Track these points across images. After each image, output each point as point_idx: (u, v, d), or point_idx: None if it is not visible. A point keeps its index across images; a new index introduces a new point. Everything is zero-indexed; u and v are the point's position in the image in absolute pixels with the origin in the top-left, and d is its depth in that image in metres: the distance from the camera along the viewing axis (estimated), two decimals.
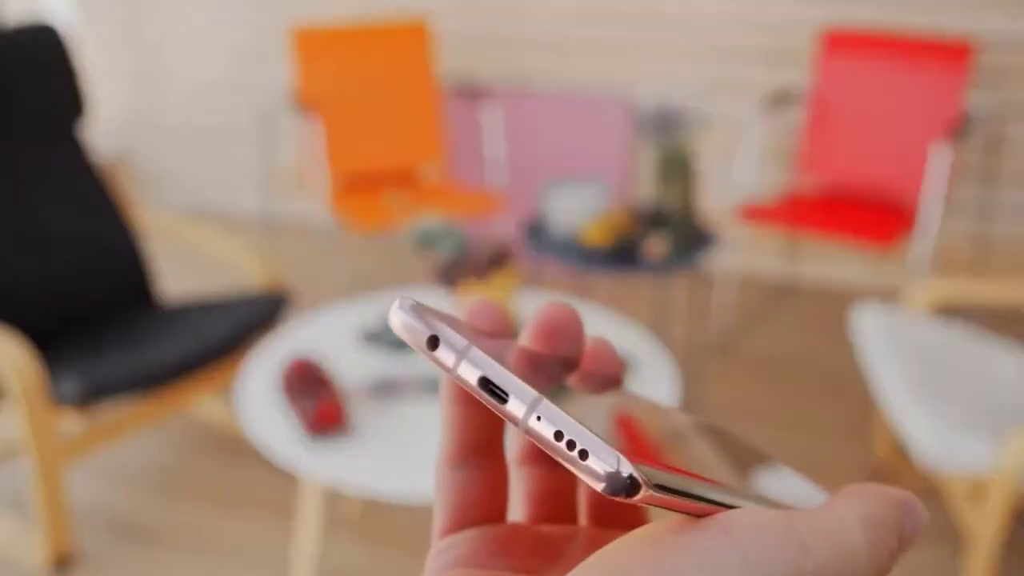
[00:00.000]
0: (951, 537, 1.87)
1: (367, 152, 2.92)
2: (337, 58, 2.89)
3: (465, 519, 0.26)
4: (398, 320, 0.21)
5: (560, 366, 0.26)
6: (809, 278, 3.12)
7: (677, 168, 2.44)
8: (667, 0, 2.99)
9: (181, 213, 3.79)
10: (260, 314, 2.07)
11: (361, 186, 2.91)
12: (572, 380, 0.25)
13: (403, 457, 1.45)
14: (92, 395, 1.75)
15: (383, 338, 1.79)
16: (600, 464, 0.19)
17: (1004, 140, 2.79)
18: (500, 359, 0.21)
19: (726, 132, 2.97)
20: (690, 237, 2.43)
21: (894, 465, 2.11)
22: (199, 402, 2.23)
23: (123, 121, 3.80)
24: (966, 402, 1.69)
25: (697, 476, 0.20)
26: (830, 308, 2.93)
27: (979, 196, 2.86)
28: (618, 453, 0.18)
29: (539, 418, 0.19)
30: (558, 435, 0.19)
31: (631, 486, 0.18)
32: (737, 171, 2.85)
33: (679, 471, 0.20)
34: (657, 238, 2.36)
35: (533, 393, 0.20)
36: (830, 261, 3.08)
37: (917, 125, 2.61)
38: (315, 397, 1.52)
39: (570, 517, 0.28)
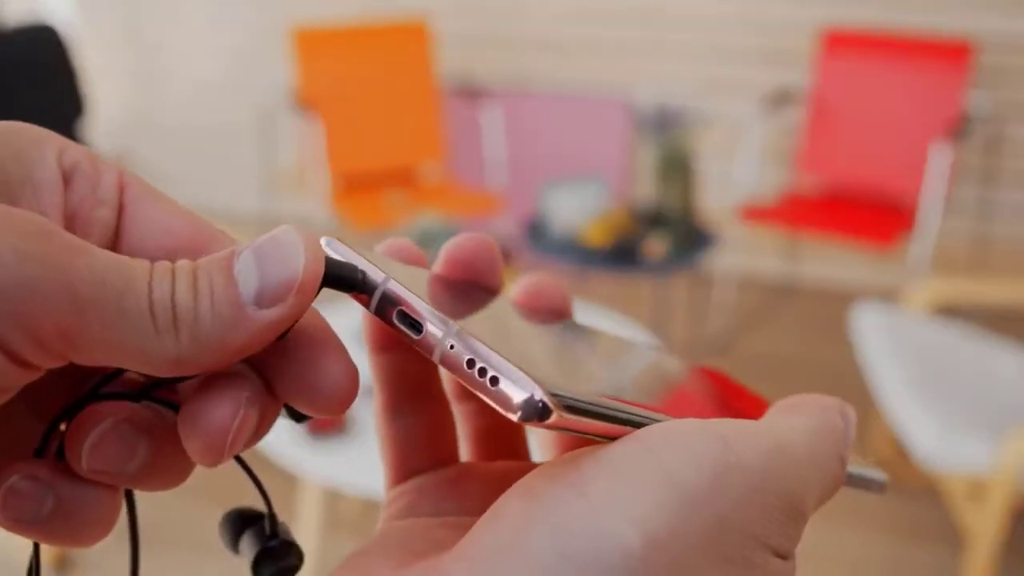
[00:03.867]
0: (951, 537, 1.87)
1: (367, 152, 2.92)
2: (337, 58, 2.89)
3: (411, 467, 0.24)
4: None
5: (485, 292, 0.24)
6: (809, 278, 3.12)
7: (677, 168, 2.44)
8: (667, 0, 2.99)
9: None
10: None
11: (361, 186, 2.91)
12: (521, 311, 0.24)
13: None
14: None
15: None
16: (510, 390, 0.17)
17: (1004, 140, 2.79)
18: (419, 291, 0.19)
19: (726, 132, 2.97)
20: (690, 237, 2.43)
21: (894, 465, 2.11)
22: None
23: (123, 121, 3.80)
24: (966, 402, 1.69)
25: (620, 399, 0.19)
26: (830, 308, 2.93)
27: (979, 196, 2.86)
28: (529, 377, 0.17)
29: (452, 346, 0.18)
30: (470, 363, 0.18)
31: (542, 411, 0.17)
32: (737, 171, 2.85)
33: (602, 395, 0.18)
34: (657, 238, 2.36)
35: (446, 320, 0.18)
36: (830, 261, 3.08)
37: (917, 125, 2.61)
38: None
39: (524, 452, 0.26)
